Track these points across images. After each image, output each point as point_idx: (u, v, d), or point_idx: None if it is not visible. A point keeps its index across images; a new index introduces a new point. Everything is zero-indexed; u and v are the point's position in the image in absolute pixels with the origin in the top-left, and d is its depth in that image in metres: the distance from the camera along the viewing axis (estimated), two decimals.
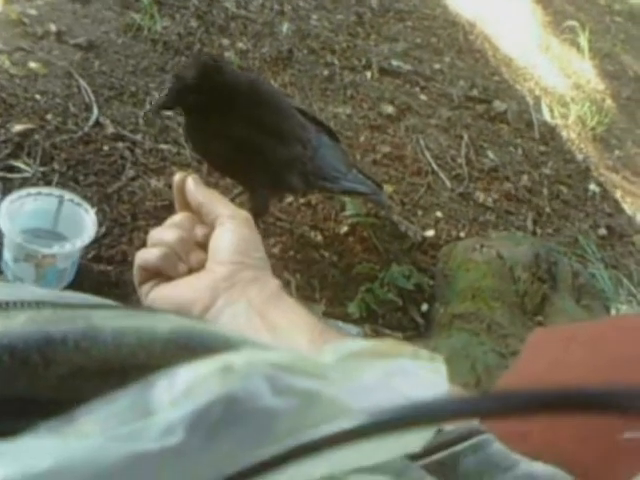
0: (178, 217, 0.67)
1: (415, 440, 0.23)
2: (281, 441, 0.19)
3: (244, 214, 0.65)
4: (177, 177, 0.68)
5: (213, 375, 0.20)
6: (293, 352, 0.22)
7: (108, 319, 0.32)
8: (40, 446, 0.18)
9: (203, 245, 0.65)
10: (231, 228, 0.63)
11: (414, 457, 0.35)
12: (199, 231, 0.65)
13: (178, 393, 0.19)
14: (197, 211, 0.66)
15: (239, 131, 1.27)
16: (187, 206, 0.67)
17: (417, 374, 0.22)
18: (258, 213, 1.44)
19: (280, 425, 0.20)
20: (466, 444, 0.39)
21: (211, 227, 0.65)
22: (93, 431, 0.18)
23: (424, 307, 1.60)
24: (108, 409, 0.19)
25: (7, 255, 1.20)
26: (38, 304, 0.33)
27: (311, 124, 1.45)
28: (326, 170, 1.46)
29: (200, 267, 0.64)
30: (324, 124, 1.55)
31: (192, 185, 0.66)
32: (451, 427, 0.40)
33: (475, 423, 0.42)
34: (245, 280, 0.61)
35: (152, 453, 0.18)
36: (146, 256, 0.64)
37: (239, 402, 0.19)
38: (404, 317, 1.56)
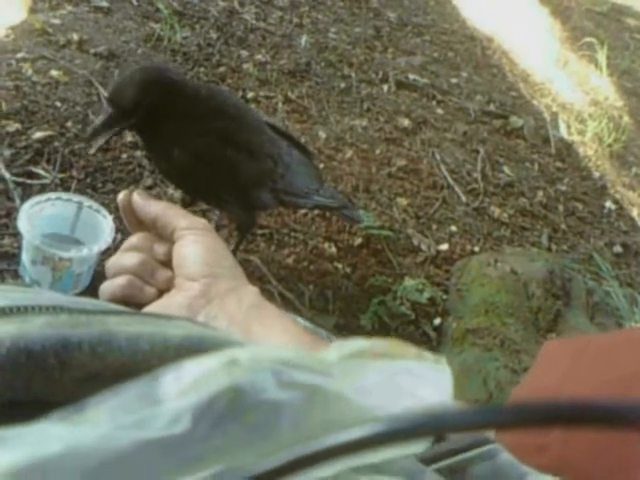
0: (134, 239, 0.62)
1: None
2: (285, 434, 0.19)
3: (202, 222, 0.60)
4: (121, 196, 0.62)
5: (219, 368, 0.21)
6: (297, 350, 0.22)
7: (122, 325, 0.33)
8: (50, 432, 0.18)
9: (166, 262, 0.61)
10: (193, 240, 0.58)
11: (427, 461, 0.35)
12: (159, 249, 0.61)
13: (185, 384, 0.20)
14: (152, 227, 0.62)
15: (202, 142, 1.18)
16: (140, 224, 0.63)
17: (422, 374, 0.22)
18: (245, 228, 1.40)
19: (285, 418, 0.20)
20: (475, 452, 0.38)
21: (170, 241, 0.60)
22: (102, 420, 0.19)
23: (437, 321, 1.59)
24: (117, 399, 0.20)
25: (25, 258, 1.21)
26: (55, 309, 0.33)
27: (281, 139, 1.36)
28: (298, 186, 1.38)
29: (169, 286, 0.60)
30: (295, 139, 1.47)
31: (140, 200, 0.61)
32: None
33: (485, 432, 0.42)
34: (221, 293, 0.57)
35: (158, 441, 0.18)
36: (111, 289, 0.60)
37: (244, 394, 0.20)
38: (416, 331, 1.55)
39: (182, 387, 0.20)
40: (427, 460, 0.35)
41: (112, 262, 0.62)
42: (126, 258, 0.61)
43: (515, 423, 0.19)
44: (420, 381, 0.22)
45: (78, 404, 0.20)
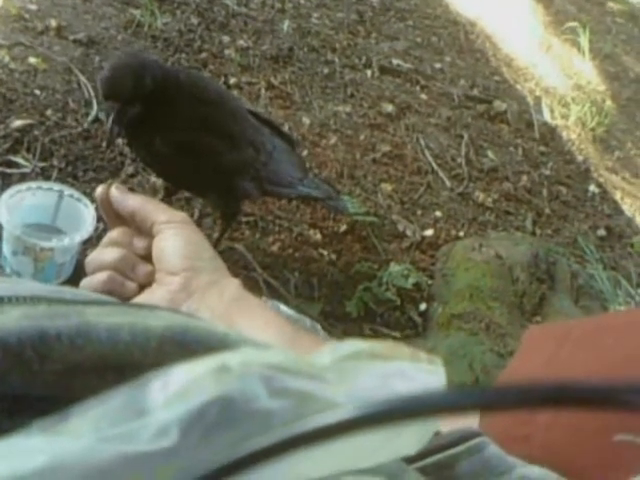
0: (113, 234, 0.62)
1: (412, 442, 0.23)
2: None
3: (181, 215, 0.61)
4: (99, 190, 0.62)
5: (208, 375, 0.20)
6: (289, 353, 0.21)
7: (102, 315, 0.32)
8: (31, 445, 0.18)
9: (146, 256, 0.61)
10: (173, 233, 0.58)
11: (410, 460, 0.35)
12: (139, 244, 0.61)
13: (172, 393, 0.19)
14: (130, 221, 0.62)
15: (183, 131, 1.17)
16: (118, 218, 0.62)
17: (415, 376, 0.22)
18: (229, 217, 1.38)
19: (275, 427, 0.20)
20: (462, 447, 0.38)
21: (149, 236, 0.60)
22: (85, 431, 0.18)
23: (422, 306, 1.60)
24: (101, 408, 0.19)
25: (6, 248, 1.19)
26: (33, 299, 0.33)
27: (264, 127, 1.35)
28: (281, 176, 1.36)
29: (149, 280, 0.60)
30: (278, 127, 1.46)
31: (117, 194, 0.61)
32: (447, 430, 0.40)
33: (471, 426, 0.41)
34: (202, 287, 0.57)
35: (145, 454, 0.18)
36: (91, 285, 0.60)
37: (235, 403, 0.19)
38: (402, 316, 1.56)
39: (169, 396, 0.19)
40: (413, 458, 0.35)
41: (92, 258, 0.61)
42: (106, 253, 0.61)
43: (498, 404, 0.19)
44: (413, 383, 0.21)
45: (61, 414, 0.19)
